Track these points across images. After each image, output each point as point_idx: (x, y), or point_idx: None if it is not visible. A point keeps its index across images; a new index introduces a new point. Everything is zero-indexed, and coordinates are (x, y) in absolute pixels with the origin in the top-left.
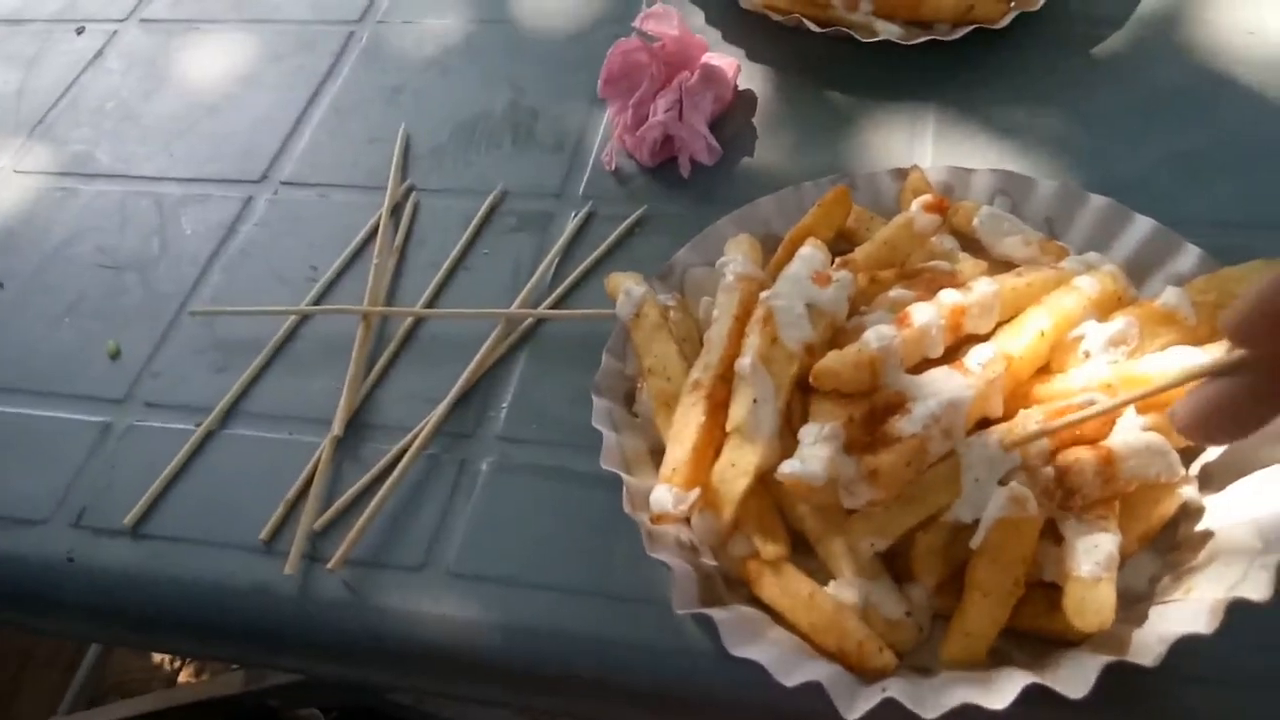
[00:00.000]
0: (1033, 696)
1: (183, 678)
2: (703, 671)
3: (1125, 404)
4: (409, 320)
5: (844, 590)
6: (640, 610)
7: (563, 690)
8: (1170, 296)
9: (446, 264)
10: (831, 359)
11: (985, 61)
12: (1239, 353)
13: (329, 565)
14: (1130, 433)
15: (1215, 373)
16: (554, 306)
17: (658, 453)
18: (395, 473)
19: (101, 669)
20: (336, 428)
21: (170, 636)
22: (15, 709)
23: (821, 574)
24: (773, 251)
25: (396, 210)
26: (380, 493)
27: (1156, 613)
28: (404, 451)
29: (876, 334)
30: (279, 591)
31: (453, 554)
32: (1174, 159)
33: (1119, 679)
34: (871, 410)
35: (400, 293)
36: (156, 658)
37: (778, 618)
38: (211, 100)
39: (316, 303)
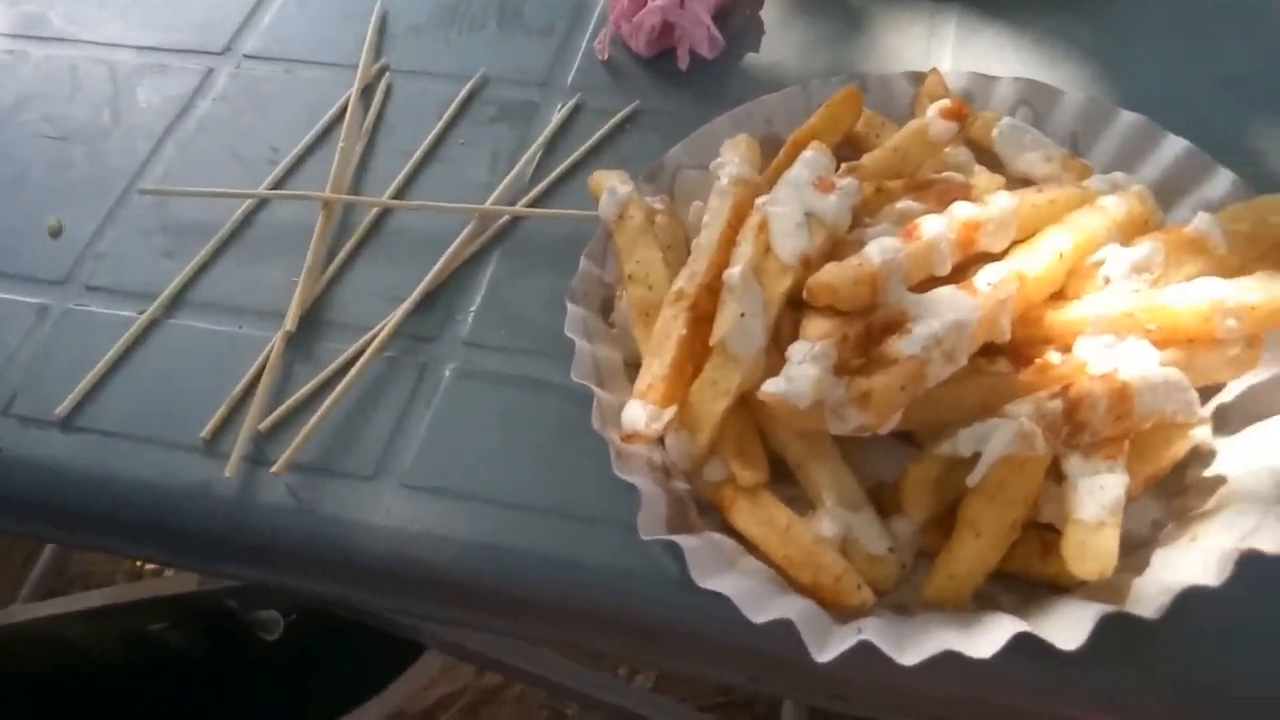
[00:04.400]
0: (1020, 646)
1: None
2: (667, 600)
3: None
4: (374, 211)
5: (824, 521)
6: (605, 532)
7: (520, 611)
8: (1201, 222)
9: (418, 153)
10: (828, 271)
11: None
12: None
13: (273, 469)
14: (1147, 366)
15: None
16: (533, 204)
17: (634, 366)
18: (350, 374)
19: (63, 560)
20: (289, 323)
21: (100, 537)
22: None
23: (800, 503)
24: (773, 155)
25: (367, 92)
26: (333, 395)
27: (1159, 560)
28: (361, 352)
29: (879, 247)
30: (219, 494)
31: (408, 463)
32: (1215, 81)
33: (1115, 631)
34: (868, 329)
35: (367, 181)
36: None
37: (751, 547)
38: None
39: (276, 187)
